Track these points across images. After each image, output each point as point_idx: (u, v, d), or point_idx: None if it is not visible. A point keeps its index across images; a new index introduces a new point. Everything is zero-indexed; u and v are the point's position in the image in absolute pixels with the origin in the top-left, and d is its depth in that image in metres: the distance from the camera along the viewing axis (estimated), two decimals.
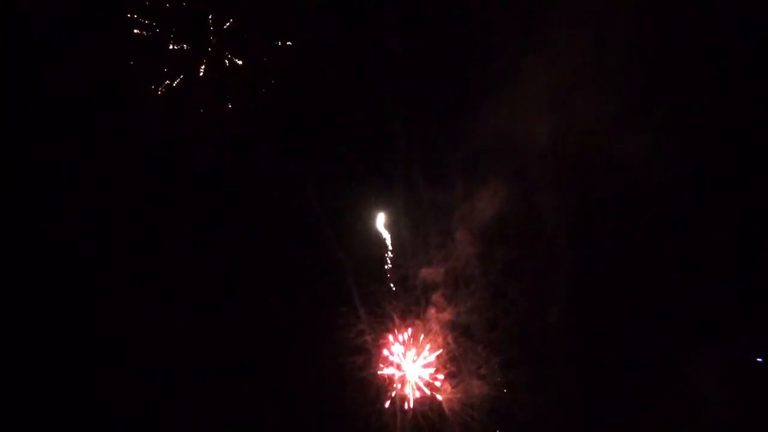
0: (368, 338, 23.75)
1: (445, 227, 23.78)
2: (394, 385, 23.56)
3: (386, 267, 24.15)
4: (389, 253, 24.16)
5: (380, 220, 24.28)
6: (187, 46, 22.81)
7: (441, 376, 23.66)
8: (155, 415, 22.49)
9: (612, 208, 23.14)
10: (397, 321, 23.82)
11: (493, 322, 23.77)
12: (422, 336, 23.88)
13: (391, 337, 23.84)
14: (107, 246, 23.01)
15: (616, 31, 21.54)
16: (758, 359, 22.39)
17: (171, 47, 22.75)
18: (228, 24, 22.93)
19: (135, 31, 22.46)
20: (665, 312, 23.03)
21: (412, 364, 23.71)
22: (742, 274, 22.40)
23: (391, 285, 24.03)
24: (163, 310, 22.92)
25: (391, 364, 23.69)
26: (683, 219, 22.78)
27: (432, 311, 23.78)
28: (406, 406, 23.42)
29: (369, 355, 23.79)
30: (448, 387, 23.62)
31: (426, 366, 23.77)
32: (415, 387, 23.60)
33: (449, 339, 23.77)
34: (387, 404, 23.42)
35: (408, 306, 23.96)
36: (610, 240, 23.51)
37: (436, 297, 23.74)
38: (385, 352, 23.73)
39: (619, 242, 23.46)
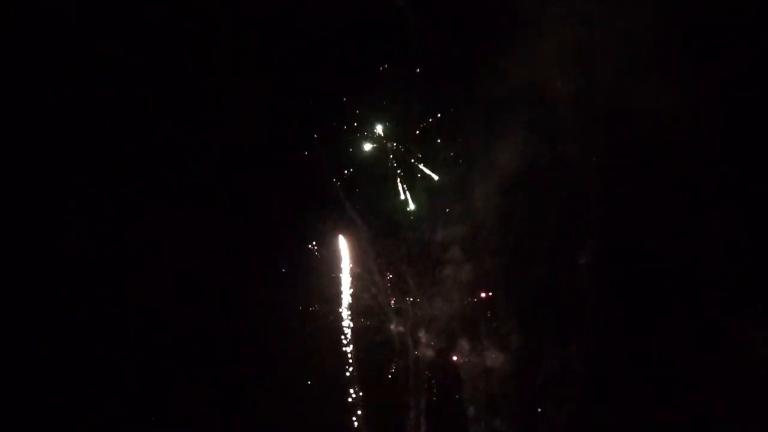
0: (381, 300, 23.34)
1: (462, 182, 22.77)
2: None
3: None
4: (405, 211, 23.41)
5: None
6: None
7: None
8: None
9: (643, 157, 21.66)
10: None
11: (514, 281, 22.84)
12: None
13: None
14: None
15: None
16: None
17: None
18: None
19: None
20: (705, 268, 21.56)
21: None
22: None
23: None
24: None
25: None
26: (719, 169, 21.30)
27: (448, 270, 22.93)
28: (418, 371, 22.99)
29: (382, 317, 23.33)
30: (464, 350, 22.95)
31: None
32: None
33: (466, 300, 23.01)
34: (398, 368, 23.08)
35: (424, 266, 23.24)
36: (642, 190, 21.97)
37: (452, 255, 22.81)
38: None
39: (652, 193, 21.92)
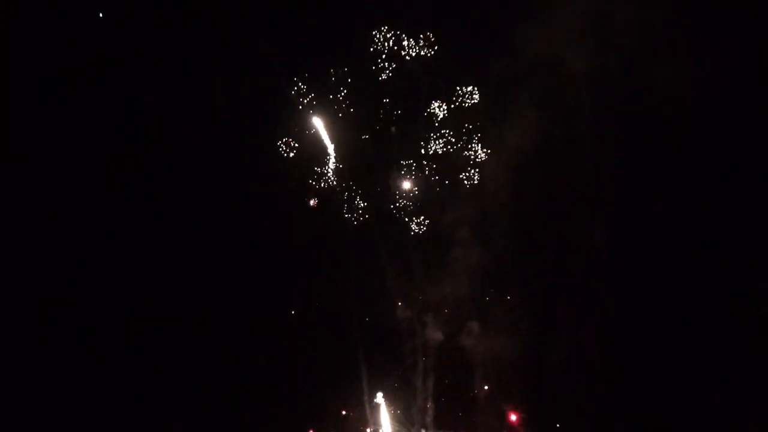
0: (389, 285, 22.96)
1: (471, 160, 22.43)
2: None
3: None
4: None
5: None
6: None
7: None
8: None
9: (658, 138, 21.25)
10: None
11: (524, 264, 22.50)
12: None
13: None
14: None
15: None
16: None
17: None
18: None
19: None
20: (720, 252, 20.97)
21: None
22: None
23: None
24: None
25: None
26: (735, 149, 20.73)
27: (456, 253, 22.45)
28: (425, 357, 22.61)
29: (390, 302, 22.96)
30: (472, 337, 22.48)
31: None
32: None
33: (475, 284, 22.46)
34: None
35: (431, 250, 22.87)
36: (657, 171, 21.50)
37: (461, 237, 22.32)
38: None
39: (667, 174, 21.41)
